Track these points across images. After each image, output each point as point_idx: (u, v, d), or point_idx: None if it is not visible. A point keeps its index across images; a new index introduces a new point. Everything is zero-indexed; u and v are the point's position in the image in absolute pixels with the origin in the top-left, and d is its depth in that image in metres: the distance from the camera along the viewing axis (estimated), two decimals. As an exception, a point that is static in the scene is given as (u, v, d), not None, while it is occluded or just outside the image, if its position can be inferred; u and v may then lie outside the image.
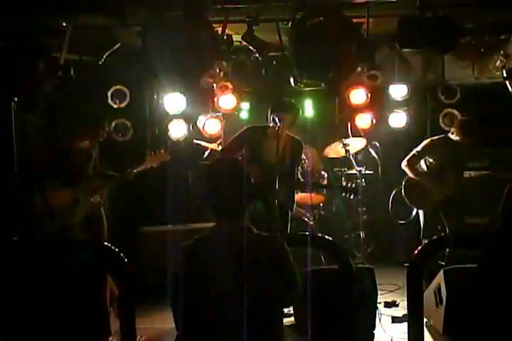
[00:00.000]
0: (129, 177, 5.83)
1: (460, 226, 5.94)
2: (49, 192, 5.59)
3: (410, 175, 6.05)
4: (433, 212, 5.98)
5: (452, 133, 5.92)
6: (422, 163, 6.06)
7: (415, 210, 6.32)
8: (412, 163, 6.02)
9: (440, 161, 5.95)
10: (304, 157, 6.79)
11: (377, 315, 4.52)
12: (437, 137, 6.09)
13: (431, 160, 6.00)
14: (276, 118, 5.07)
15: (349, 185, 5.54)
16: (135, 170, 5.82)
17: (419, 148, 6.02)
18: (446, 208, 5.95)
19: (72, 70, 5.37)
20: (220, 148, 6.13)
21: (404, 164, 6.05)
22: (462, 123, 5.96)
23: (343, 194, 5.65)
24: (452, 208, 5.96)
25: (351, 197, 5.62)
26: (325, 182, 6.95)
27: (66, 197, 5.61)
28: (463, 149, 5.91)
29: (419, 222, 6.10)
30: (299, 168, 5.62)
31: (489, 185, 6.42)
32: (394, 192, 6.54)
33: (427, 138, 6.39)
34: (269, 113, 5.25)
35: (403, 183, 6.15)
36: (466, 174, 6.38)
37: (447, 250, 5.73)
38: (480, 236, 3.39)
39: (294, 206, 5.53)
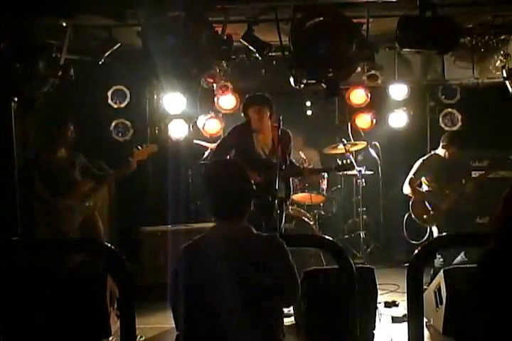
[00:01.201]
0: (131, 168, 5.78)
1: (468, 227, 5.97)
2: (42, 203, 5.56)
3: (414, 197, 6.16)
4: (444, 224, 6.03)
5: (443, 148, 5.99)
6: (424, 185, 6.15)
7: (428, 230, 6.38)
8: (413, 186, 6.14)
9: (436, 178, 6.05)
10: (304, 157, 6.81)
11: (377, 315, 4.53)
12: (426, 156, 6.21)
13: (428, 179, 6.09)
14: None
15: (344, 162, 5.68)
16: (131, 160, 5.76)
17: (413, 170, 6.15)
18: (454, 216, 6.01)
19: (72, 70, 5.37)
20: (209, 151, 6.17)
21: (405, 188, 6.17)
22: (451, 137, 6.04)
23: (341, 172, 5.83)
24: (459, 214, 6.02)
25: (349, 172, 5.99)
26: (324, 182, 6.97)
27: (59, 207, 5.56)
28: (453, 162, 5.99)
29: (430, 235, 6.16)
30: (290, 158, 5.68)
31: (489, 185, 6.43)
32: (406, 215, 6.58)
33: (427, 138, 6.44)
34: (242, 108, 5.50)
35: (410, 205, 6.24)
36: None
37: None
38: (480, 236, 3.40)
39: (290, 196, 5.66)
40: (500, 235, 2.38)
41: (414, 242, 6.82)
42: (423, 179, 6.15)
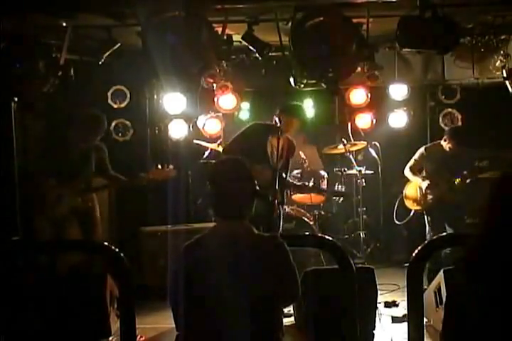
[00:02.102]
0: (142, 183, 5.77)
1: (459, 227, 6.02)
2: (40, 187, 5.56)
3: (413, 178, 6.30)
4: (432, 215, 6.14)
5: (445, 141, 6.06)
6: (424, 171, 6.24)
7: (412, 212, 6.54)
8: (414, 169, 6.30)
9: (433, 167, 6.13)
10: (304, 157, 6.81)
11: (377, 315, 4.53)
12: (430, 144, 6.35)
13: (428, 166, 6.16)
14: (277, 119, 5.21)
15: (339, 188, 5.78)
16: (144, 175, 5.73)
17: (416, 156, 6.30)
18: (441, 209, 6.09)
19: (72, 70, 5.37)
20: (221, 148, 6.17)
21: (407, 170, 6.33)
22: (452, 132, 6.10)
23: (335, 198, 5.91)
24: (446, 208, 6.09)
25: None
26: (324, 182, 6.97)
27: (52, 191, 5.55)
28: (454, 156, 6.03)
29: (425, 228, 6.22)
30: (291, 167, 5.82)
31: (489, 185, 6.43)
32: (399, 198, 6.69)
33: (427, 138, 6.47)
34: (277, 113, 5.43)
35: (405, 187, 6.42)
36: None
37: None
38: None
39: (285, 202, 5.70)
40: (487, 233, 2.38)
41: (398, 222, 6.96)
42: (424, 164, 6.28)
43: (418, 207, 6.31)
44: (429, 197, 6.13)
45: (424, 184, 6.12)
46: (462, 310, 2.48)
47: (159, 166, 5.75)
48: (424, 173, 6.26)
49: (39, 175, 5.61)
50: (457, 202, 6.09)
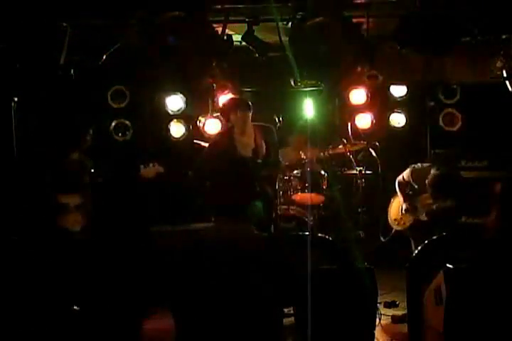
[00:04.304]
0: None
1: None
2: (52, 202, 5.57)
3: (399, 194, 6.09)
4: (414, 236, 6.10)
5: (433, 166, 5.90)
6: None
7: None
8: (402, 185, 6.03)
9: (418, 190, 6.02)
10: (304, 157, 6.81)
11: (377, 315, 4.53)
12: (418, 166, 5.97)
13: (413, 187, 6.07)
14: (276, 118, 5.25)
15: None
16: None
17: (405, 174, 5.97)
18: (416, 230, 6.04)
19: (72, 70, 5.38)
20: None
21: (396, 183, 6.09)
22: (439, 159, 5.95)
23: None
24: (417, 233, 6.03)
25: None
26: (325, 182, 6.97)
27: (67, 206, 5.57)
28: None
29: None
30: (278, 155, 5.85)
31: (488, 185, 6.44)
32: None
33: (427, 138, 6.46)
34: (225, 112, 5.64)
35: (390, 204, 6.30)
36: (466, 174, 6.45)
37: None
38: (479, 236, 3.41)
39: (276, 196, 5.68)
40: (500, 235, 2.38)
41: (383, 239, 6.90)
42: (412, 183, 6.10)
43: (398, 227, 6.15)
44: (407, 220, 6.02)
45: (404, 205, 5.98)
46: (464, 309, 2.48)
47: (146, 166, 5.79)
48: (410, 192, 6.03)
49: (40, 177, 5.62)
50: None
